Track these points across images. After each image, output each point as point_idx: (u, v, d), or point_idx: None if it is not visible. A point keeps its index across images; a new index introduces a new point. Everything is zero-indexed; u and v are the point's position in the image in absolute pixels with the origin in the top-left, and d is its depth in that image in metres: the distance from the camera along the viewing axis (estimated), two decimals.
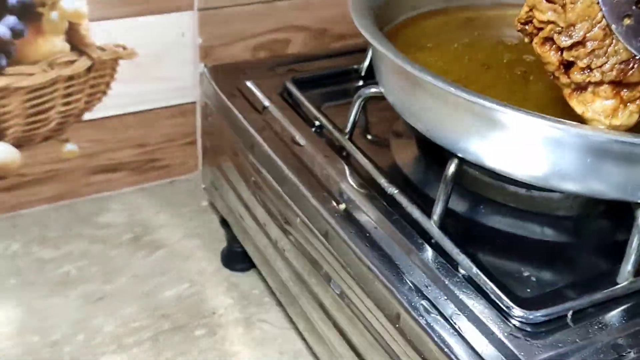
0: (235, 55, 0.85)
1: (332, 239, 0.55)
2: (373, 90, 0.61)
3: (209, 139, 0.79)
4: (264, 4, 0.84)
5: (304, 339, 0.69)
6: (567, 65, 0.53)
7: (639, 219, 0.49)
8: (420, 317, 0.47)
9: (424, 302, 0.48)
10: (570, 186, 0.51)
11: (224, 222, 0.79)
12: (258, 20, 0.85)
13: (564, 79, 0.54)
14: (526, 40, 0.56)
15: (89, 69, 0.79)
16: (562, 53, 0.53)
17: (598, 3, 0.52)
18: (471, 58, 0.66)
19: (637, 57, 0.52)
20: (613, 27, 0.51)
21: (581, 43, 0.52)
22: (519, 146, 0.50)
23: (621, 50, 0.51)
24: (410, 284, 0.49)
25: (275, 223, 0.64)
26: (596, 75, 0.52)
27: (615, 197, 0.51)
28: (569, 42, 0.52)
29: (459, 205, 0.58)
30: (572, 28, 0.53)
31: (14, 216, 0.83)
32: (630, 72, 0.52)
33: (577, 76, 0.52)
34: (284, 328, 0.72)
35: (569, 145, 0.48)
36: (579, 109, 0.53)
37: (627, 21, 0.52)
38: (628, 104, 0.52)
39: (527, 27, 0.55)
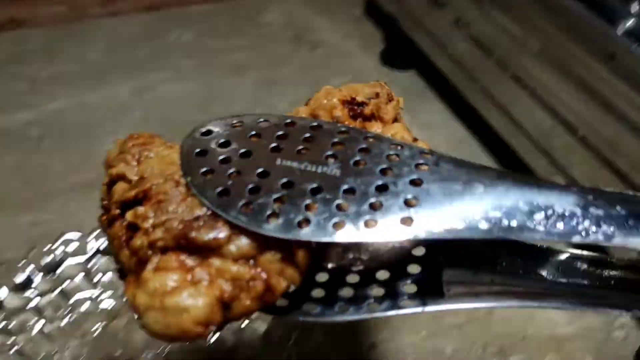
0: None
1: None
2: None
3: None
4: None
5: (468, 127, 0.72)
6: (131, 233, 0.42)
7: None
8: None
9: None
10: None
11: (385, 22, 0.81)
12: None
13: (125, 256, 0.41)
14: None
15: None
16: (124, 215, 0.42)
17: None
18: None
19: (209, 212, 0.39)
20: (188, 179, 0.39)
21: (147, 195, 0.42)
22: None
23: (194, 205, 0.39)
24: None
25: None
26: (157, 234, 0.39)
27: None
28: (133, 192, 0.42)
29: None
30: (142, 180, 0.43)
31: (183, 11, 0.88)
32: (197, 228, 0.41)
33: (136, 241, 0.40)
34: (447, 119, 0.74)
35: None
36: (130, 296, 0.39)
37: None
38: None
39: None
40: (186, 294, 0.40)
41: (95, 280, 0.58)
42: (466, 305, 0.38)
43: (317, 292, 0.42)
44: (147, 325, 0.39)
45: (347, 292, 0.43)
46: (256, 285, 0.41)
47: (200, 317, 0.40)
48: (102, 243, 0.60)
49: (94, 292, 0.58)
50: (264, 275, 0.41)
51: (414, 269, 0.41)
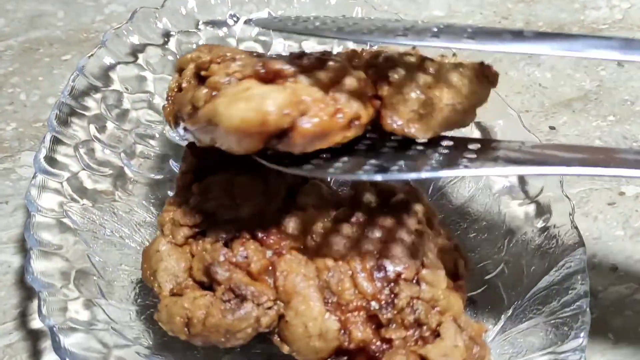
0: None
1: None
2: None
3: None
4: None
5: None
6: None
7: None
8: None
9: None
10: None
11: None
12: None
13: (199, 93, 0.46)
14: None
15: None
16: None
17: None
18: None
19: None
20: None
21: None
22: None
23: None
24: None
25: None
26: (234, 67, 0.46)
27: None
28: (208, 57, 0.49)
29: None
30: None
31: None
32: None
33: (214, 78, 0.45)
34: None
35: None
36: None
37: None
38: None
39: None
40: (268, 87, 0.43)
41: None
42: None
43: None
44: (229, 117, 0.42)
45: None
46: (328, 106, 0.44)
47: (281, 103, 0.42)
48: None
49: None
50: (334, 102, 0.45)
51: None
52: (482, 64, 0.53)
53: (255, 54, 0.54)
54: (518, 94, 0.83)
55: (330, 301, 0.47)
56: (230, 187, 0.52)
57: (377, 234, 0.50)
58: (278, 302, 0.47)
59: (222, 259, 0.48)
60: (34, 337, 0.59)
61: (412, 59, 0.52)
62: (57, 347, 0.49)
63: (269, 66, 0.45)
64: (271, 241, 0.50)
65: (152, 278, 0.51)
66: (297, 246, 0.50)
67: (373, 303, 0.47)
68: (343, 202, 0.53)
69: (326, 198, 0.53)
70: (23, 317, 0.60)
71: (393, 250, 0.49)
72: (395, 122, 0.48)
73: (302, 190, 0.53)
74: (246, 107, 0.42)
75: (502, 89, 0.78)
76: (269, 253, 0.49)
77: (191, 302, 0.48)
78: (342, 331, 0.46)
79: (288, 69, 0.45)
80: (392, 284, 0.48)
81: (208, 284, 0.49)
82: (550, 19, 0.94)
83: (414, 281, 0.48)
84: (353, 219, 0.51)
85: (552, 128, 0.79)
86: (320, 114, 0.43)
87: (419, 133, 0.49)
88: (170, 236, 0.51)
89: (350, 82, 0.46)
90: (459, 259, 0.55)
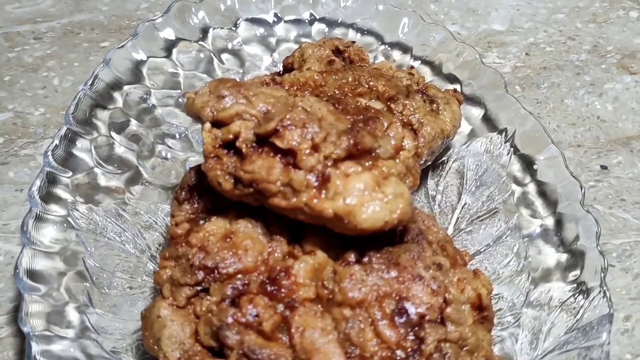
0: None
1: None
2: None
3: None
4: None
5: None
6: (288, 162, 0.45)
7: None
8: None
9: None
10: None
11: None
12: None
13: (299, 177, 0.44)
14: None
15: None
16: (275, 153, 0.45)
17: None
18: None
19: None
20: None
21: (284, 125, 0.45)
22: None
23: None
24: None
25: None
26: (329, 148, 0.45)
27: None
28: (272, 124, 0.45)
29: None
30: (269, 113, 0.47)
31: None
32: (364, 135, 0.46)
33: (309, 160, 0.44)
34: None
35: None
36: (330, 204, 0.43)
37: None
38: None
39: None
40: (394, 182, 0.44)
41: None
42: None
43: None
44: (366, 218, 0.43)
45: None
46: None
47: (409, 199, 0.44)
48: None
49: None
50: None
51: None
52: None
53: (271, 77, 0.51)
54: (572, 125, 0.76)
55: (353, 354, 0.43)
56: (231, 235, 0.48)
57: (393, 273, 0.46)
58: None
59: (230, 320, 0.44)
60: (23, 335, 0.58)
61: None
62: (29, 354, 0.47)
63: (361, 144, 0.45)
64: (282, 294, 0.46)
65: (156, 347, 0.47)
66: (309, 297, 0.46)
67: (399, 352, 0.43)
68: (351, 241, 0.49)
69: (333, 238, 0.48)
70: (16, 312, 0.59)
71: (413, 289, 0.45)
72: None
73: (306, 232, 0.49)
74: (382, 211, 0.43)
75: (555, 119, 0.72)
76: (280, 307, 0.45)
77: None
78: None
79: (377, 146, 0.46)
80: (417, 328, 0.44)
81: (218, 349, 0.46)
82: (623, 44, 0.86)
83: (439, 321, 0.45)
84: (365, 259, 0.47)
85: (603, 167, 0.72)
86: None
87: None
88: (171, 298, 0.47)
89: None
90: (481, 288, 0.50)
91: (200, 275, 0.46)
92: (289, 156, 0.44)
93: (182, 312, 0.47)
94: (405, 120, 0.59)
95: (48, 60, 0.82)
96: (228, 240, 0.47)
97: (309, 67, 0.63)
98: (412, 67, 0.72)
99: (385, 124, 0.49)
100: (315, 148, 0.44)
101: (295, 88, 0.60)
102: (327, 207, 0.43)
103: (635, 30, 0.88)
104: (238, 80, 0.51)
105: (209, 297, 0.46)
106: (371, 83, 0.61)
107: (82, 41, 0.85)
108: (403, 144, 0.49)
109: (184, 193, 0.51)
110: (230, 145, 0.46)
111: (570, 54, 0.83)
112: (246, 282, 0.46)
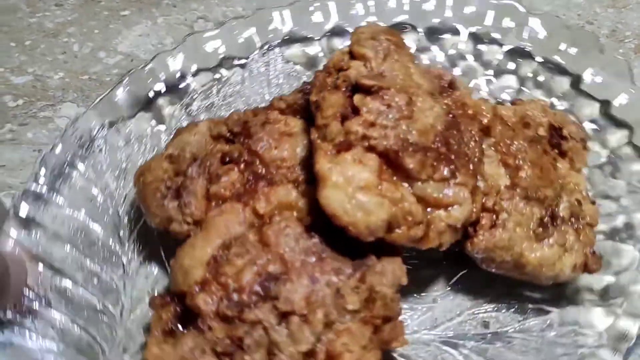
0: None
1: None
2: None
3: None
4: None
5: None
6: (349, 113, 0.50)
7: None
8: None
9: None
10: None
11: None
12: None
13: (334, 127, 0.49)
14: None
15: None
16: (352, 97, 0.50)
17: None
18: None
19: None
20: None
21: (379, 93, 0.49)
22: None
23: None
24: None
25: None
26: (374, 133, 0.48)
27: None
28: (371, 82, 0.50)
29: None
30: (382, 77, 0.51)
31: None
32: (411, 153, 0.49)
33: (353, 125, 0.48)
34: None
35: None
36: (324, 165, 0.47)
37: None
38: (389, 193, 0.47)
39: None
40: (376, 200, 0.46)
41: None
42: None
43: None
44: (327, 199, 0.46)
45: None
46: (417, 228, 0.48)
47: (374, 224, 0.46)
48: None
49: None
50: (428, 226, 0.49)
51: None
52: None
53: None
54: None
55: None
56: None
57: None
58: None
59: None
60: None
61: None
62: None
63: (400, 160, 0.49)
64: None
65: None
66: None
67: None
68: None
69: None
70: None
71: None
72: None
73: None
74: (345, 208, 0.46)
75: None
76: None
77: None
78: None
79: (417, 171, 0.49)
80: None
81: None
82: None
83: None
84: None
85: None
86: None
87: None
88: None
89: None
90: None
91: None
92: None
93: None
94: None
95: (69, 26, 0.83)
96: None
97: None
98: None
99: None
100: (372, 125, 0.49)
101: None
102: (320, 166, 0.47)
103: None
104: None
105: None
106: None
107: (103, 9, 0.86)
108: (453, 205, 0.49)
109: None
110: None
111: None
112: None
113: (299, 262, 0.49)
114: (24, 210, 0.56)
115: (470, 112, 0.56)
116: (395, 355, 0.54)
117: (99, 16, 0.85)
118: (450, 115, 0.53)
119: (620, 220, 0.59)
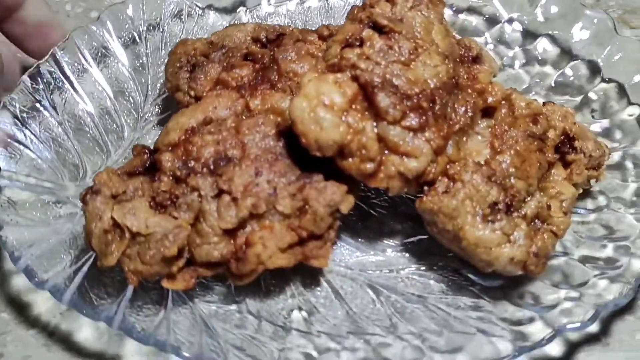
0: None
1: None
2: None
3: None
4: None
5: None
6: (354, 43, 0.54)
7: None
8: None
9: None
10: None
11: None
12: None
13: (333, 50, 0.53)
14: None
15: None
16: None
17: None
18: None
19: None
20: None
21: (390, 35, 0.53)
22: None
23: None
24: None
25: None
26: (362, 64, 0.52)
27: None
28: (385, 22, 0.53)
29: None
30: (400, 22, 0.54)
31: None
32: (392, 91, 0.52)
33: (349, 54, 0.52)
34: None
35: None
36: (308, 76, 0.52)
37: None
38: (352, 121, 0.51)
39: None
40: (334, 120, 0.50)
41: None
42: None
43: None
44: (293, 105, 0.50)
45: None
46: (369, 164, 0.51)
47: (323, 141, 0.50)
48: None
49: None
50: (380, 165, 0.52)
51: None
52: None
53: None
54: None
55: None
56: None
57: None
58: None
59: None
60: None
61: None
62: None
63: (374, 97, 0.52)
64: None
65: None
66: None
67: None
68: None
69: None
70: None
71: None
72: None
73: None
74: (303, 117, 0.51)
75: None
76: None
77: None
78: None
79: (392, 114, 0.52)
80: None
81: None
82: (626, 1, 0.85)
83: None
84: None
85: None
86: None
87: None
88: None
89: None
90: None
91: None
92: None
93: None
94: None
95: None
96: None
97: None
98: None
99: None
100: (367, 58, 0.52)
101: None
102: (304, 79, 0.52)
103: None
104: None
105: None
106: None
107: None
108: (409, 155, 0.52)
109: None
110: None
111: None
112: None
113: (254, 155, 0.53)
114: None
115: (477, 87, 0.57)
116: (321, 279, 0.57)
117: None
118: (453, 80, 0.54)
119: None
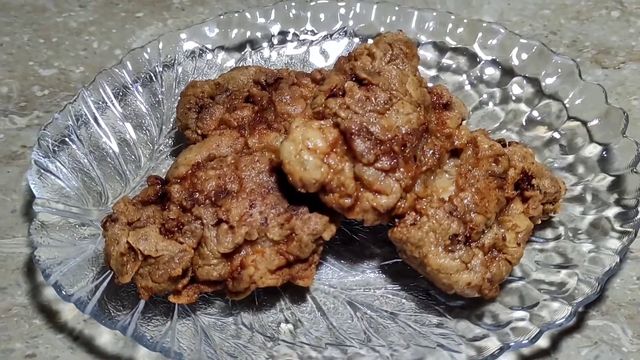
0: None
1: None
2: None
3: None
4: None
5: None
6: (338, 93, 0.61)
7: None
8: None
9: None
10: None
11: None
12: None
13: (319, 99, 0.62)
14: None
15: None
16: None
17: None
18: None
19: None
20: None
21: (369, 88, 0.61)
22: None
23: None
24: None
25: None
26: (342, 113, 0.60)
27: None
28: (363, 75, 0.62)
29: None
30: (377, 75, 0.62)
31: None
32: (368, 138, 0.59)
33: (332, 103, 0.60)
34: None
35: None
36: (296, 122, 0.59)
37: None
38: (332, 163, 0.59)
39: None
40: (316, 162, 0.58)
41: None
42: None
43: None
44: (282, 147, 0.58)
45: None
46: (346, 199, 0.59)
47: (307, 179, 0.58)
48: None
49: None
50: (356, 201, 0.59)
51: None
52: None
53: None
54: None
55: None
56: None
57: None
58: None
59: None
60: None
61: None
62: None
63: (354, 147, 0.59)
64: None
65: None
66: None
67: None
68: None
69: None
70: None
71: None
72: None
73: None
74: (290, 160, 0.59)
75: None
76: None
77: None
78: None
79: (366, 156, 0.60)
80: None
81: None
82: (600, 41, 0.91)
83: None
84: None
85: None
86: None
87: None
88: None
89: None
90: None
91: None
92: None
93: None
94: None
95: (90, 26, 0.98)
96: None
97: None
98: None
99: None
100: (347, 108, 0.60)
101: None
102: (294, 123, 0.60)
103: (614, 28, 0.92)
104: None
105: None
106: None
107: (120, 11, 1.00)
108: (381, 193, 0.59)
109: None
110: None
111: (550, 47, 0.83)
112: None
113: (250, 189, 0.62)
114: None
115: (446, 131, 0.65)
116: (307, 295, 0.66)
117: (117, 17, 0.99)
118: (423, 126, 0.63)
119: None
